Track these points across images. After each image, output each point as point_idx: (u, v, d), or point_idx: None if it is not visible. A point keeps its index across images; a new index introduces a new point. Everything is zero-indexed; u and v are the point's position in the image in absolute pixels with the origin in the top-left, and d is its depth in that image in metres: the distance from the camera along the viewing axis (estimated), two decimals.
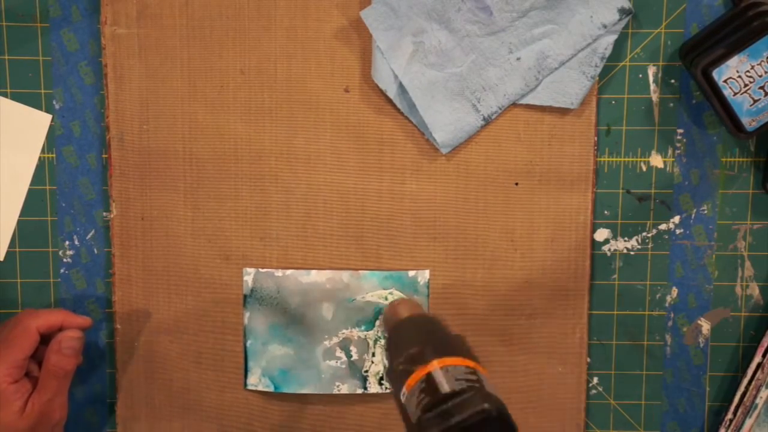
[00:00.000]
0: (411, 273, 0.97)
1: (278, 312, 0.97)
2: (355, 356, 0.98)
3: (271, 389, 0.98)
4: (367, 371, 0.98)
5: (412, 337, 0.82)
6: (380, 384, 0.98)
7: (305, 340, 0.97)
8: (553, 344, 0.98)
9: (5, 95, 0.95)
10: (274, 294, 0.97)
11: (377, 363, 0.98)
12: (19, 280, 0.98)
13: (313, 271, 0.96)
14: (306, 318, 0.97)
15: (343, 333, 0.97)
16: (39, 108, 0.96)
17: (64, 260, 0.98)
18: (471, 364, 0.79)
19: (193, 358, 0.98)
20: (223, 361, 0.98)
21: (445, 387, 0.75)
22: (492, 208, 0.97)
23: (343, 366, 0.98)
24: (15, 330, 0.88)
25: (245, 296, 0.97)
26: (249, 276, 0.97)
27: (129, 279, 0.97)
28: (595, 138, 0.95)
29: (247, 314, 0.97)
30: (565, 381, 0.99)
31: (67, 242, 0.98)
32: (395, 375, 0.79)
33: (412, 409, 0.76)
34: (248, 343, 0.97)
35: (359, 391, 0.98)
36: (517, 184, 0.96)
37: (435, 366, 0.77)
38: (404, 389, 0.78)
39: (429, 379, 0.76)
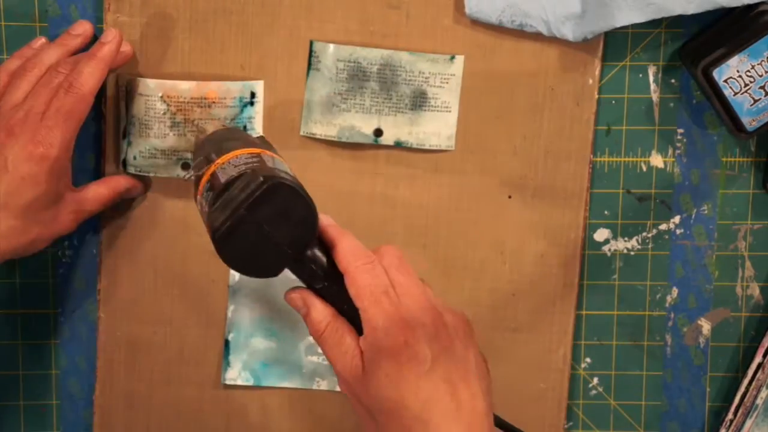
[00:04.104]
0: None
1: (265, 305, 0.97)
2: None
3: (251, 383, 0.98)
4: None
5: (204, 148, 0.81)
6: None
7: (289, 335, 0.97)
8: (537, 360, 0.98)
9: None
10: (262, 287, 0.96)
11: None
12: (18, 281, 0.98)
13: None
14: (292, 313, 0.96)
15: None
16: None
17: (63, 260, 0.98)
18: (255, 150, 0.77)
19: (176, 352, 0.98)
20: (205, 356, 0.98)
21: (224, 177, 0.74)
22: (484, 219, 0.96)
23: (325, 362, 0.98)
24: None
25: (231, 289, 0.97)
26: None
27: (115, 268, 0.97)
28: (591, 156, 0.96)
29: (231, 307, 0.97)
30: (546, 397, 0.99)
31: (66, 242, 0.97)
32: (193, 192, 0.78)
33: (203, 213, 0.75)
34: (230, 336, 0.97)
35: (338, 388, 0.98)
36: (510, 197, 0.96)
37: (218, 163, 0.76)
38: (197, 198, 0.77)
39: (212, 177, 0.75)
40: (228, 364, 0.98)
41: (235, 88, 0.93)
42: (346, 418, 0.99)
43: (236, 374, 0.98)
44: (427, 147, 0.95)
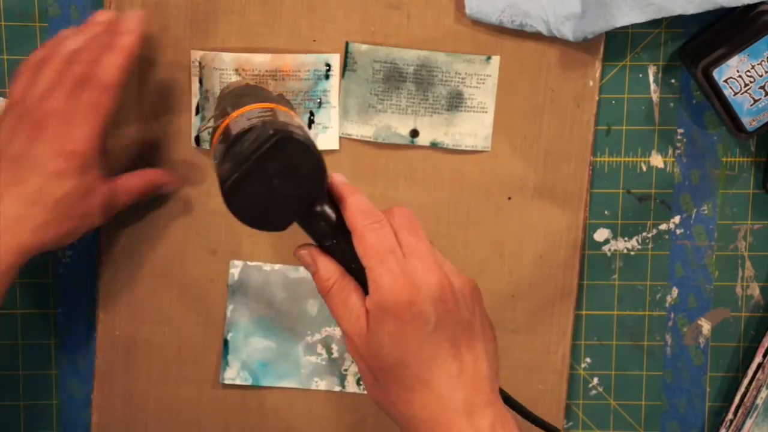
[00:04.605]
0: None
1: (263, 305, 0.97)
2: (335, 354, 0.98)
3: (250, 382, 0.98)
4: (346, 370, 0.98)
5: (222, 103, 0.81)
6: (358, 384, 0.98)
7: (288, 335, 0.97)
8: (535, 361, 0.98)
9: (4, 95, 0.95)
10: (261, 287, 0.96)
11: None
12: (18, 281, 0.97)
13: (302, 267, 0.96)
14: (290, 313, 0.97)
15: (326, 330, 0.97)
16: None
17: (63, 260, 0.98)
18: (269, 105, 0.77)
19: (174, 352, 0.98)
20: (204, 356, 0.98)
21: (236, 130, 0.74)
22: (483, 220, 0.96)
23: (323, 363, 0.98)
24: None
25: (230, 288, 0.97)
26: (236, 269, 0.96)
27: (114, 268, 0.97)
28: (591, 158, 0.96)
29: (230, 307, 0.97)
30: (544, 399, 0.99)
31: None
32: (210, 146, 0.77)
33: (217, 164, 0.75)
34: (229, 335, 0.97)
35: (337, 388, 0.98)
36: (509, 198, 0.96)
37: (232, 116, 0.76)
38: (211, 152, 0.77)
39: (225, 129, 0.75)
40: (227, 363, 0.97)
41: (309, 61, 0.93)
42: (344, 418, 0.99)
43: (235, 374, 0.98)
44: (463, 147, 0.95)
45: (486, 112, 0.94)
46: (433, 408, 0.73)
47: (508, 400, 0.81)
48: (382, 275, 0.73)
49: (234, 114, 0.77)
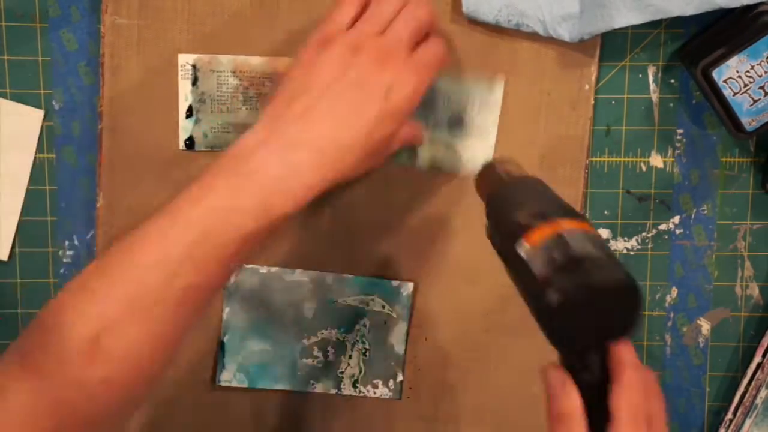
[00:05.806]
0: (395, 283, 0.96)
1: (260, 308, 0.97)
2: (331, 357, 0.98)
3: (246, 384, 0.98)
4: (342, 372, 0.98)
5: (528, 194, 0.80)
6: (354, 387, 0.98)
7: (284, 337, 0.97)
8: (531, 364, 0.97)
9: (4, 95, 0.95)
10: (257, 290, 0.97)
11: (353, 366, 0.98)
12: (18, 281, 0.98)
13: (298, 270, 0.96)
14: (287, 315, 0.97)
15: (322, 333, 0.97)
16: (38, 108, 0.95)
17: (64, 260, 0.98)
18: (591, 229, 0.76)
19: None
20: (200, 359, 0.98)
21: (576, 249, 0.72)
22: (480, 223, 0.96)
23: (319, 365, 0.98)
24: None
25: (227, 291, 0.97)
26: None
27: None
28: (587, 162, 0.95)
29: (226, 309, 0.97)
30: (538, 402, 0.98)
31: (66, 242, 0.98)
32: (509, 229, 0.76)
33: (539, 266, 0.73)
34: (225, 338, 0.97)
35: (333, 391, 0.98)
36: None
37: (563, 227, 0.74)
38: (524, 243, 0.75)
39: (559, 240, 0.73)
40: (223, 366, 0.98)
41: None
42: (340, 421, 0.99)
43: (231, 376, 0.98)
44: (462, 171, 0.95)
45: (487, 135, 0.94)
46: None
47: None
48: None
49: (565, 225, 0.75)
